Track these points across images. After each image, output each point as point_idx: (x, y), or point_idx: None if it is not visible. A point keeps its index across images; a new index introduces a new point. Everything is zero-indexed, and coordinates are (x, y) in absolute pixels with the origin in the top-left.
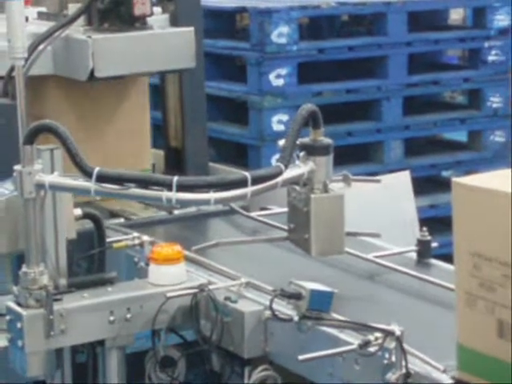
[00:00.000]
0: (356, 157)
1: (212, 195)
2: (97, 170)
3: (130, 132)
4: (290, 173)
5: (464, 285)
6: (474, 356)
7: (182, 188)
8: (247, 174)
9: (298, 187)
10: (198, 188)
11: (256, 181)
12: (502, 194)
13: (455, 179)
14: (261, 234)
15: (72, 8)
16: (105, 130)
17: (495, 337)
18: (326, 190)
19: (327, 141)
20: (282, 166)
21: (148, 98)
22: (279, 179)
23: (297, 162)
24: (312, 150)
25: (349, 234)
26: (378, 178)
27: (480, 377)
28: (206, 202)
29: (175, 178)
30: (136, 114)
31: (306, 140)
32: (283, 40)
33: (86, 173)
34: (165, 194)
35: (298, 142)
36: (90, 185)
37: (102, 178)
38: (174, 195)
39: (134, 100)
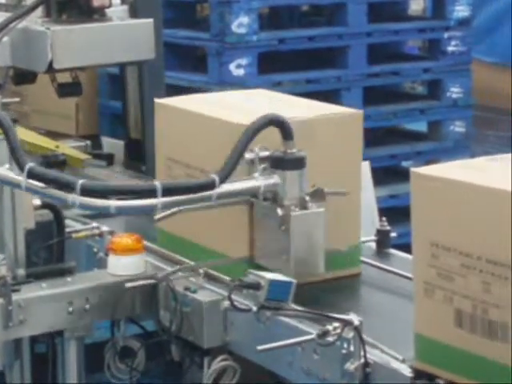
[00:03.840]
0: None
1: (113, 203)
2: (29, 165)
3: None
4: (236, 185)
5: (422, 274)
6: (432, 345)
7: (85, 192)
8: (157, 184)
9: (265, 202)
10: (100, 194)
11: (169, 191)
12: (460, 183)
13: (414, 169)
14: None
15: None
16: None
17: (453, 326)
18: (304, 206)
19: (300, 154)
20: (216, 178)
21: None
22: (213, 192)
23: (255, 175)
24: (281, 163)
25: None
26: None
27: (438, 366)
28: (107, 209)
29: (80, 182)
30: None
31: (276, 152)
32: (243, 30)
33: (20, 167)
34: (71, 197)
35: (268, 154)
36: (21, 179)
37: (32, 175)
38: (78, 199)
39: None
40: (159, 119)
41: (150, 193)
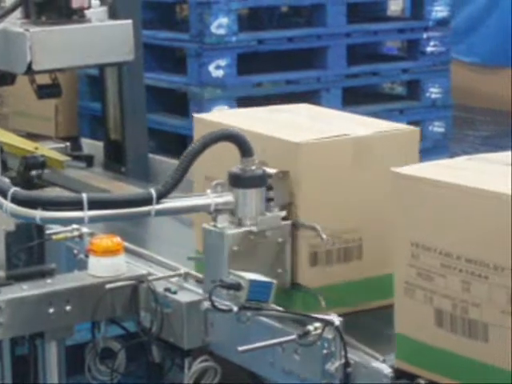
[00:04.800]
0: None
1: (38, 213)
2: None
3: None
4: (182, 202)
5: (402, 274)
6: (412, 345)
7: (14, 201)
8: (84, 196)
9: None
10: (28, 203)
11: (96, 204)
12: (441, 183)
13: (394, 169)
14: None
15: (9, 0)
16: None
17: (434, 326)
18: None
19: (259, 171)
20: (153, 193)
21: None
22: (151, 207)
23: (207, 192)
24: (238, 181)
25: None
26: None
27: (419, 366)
28: (33, 219)
29: (12, 190)
30: None
31: (234, 169)
32: (223, 31)
33: None
34: (5, 204)
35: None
36: None
37: None
38: (8, 206)
39: None
40: (198, 135)
41: (76, 205)
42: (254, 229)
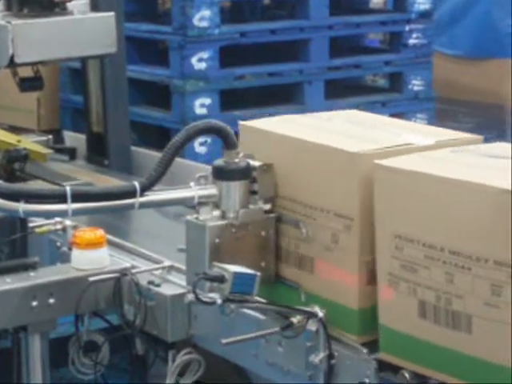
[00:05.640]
0: None
1: (21, 206)
2: None
3: None
4: (166, 194)
5: (386, 266)
6: (396, 337)
7: None
8: (68, 189)
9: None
10: (10, 196)
11: (80, 197)
12: (424, 175)
13: (377, 161)
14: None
15: None
16: None
17: (417, 317)
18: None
19: (243, 164)
20: (137, 186)
21: None
22: (135, 200)
23: (191, 184)
24: (222, 174)
25: None
26: None
27: (403, 357)
28: (16, 212)
29: None
30: None
31: (218, 161)
32: (205, 23)
33: None
34: None
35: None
36: None
37: None
38: None
39: None
40: (245, 144)
41: (60, 198)
42: (236, 222)
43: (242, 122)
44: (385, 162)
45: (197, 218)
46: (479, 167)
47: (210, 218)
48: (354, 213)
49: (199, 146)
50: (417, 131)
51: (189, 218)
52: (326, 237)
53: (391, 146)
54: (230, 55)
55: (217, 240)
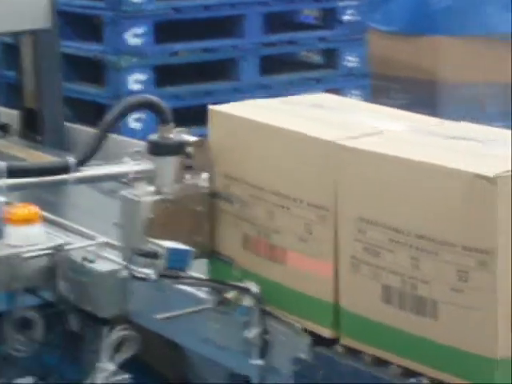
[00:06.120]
0: None
1: None
2: None
3: None
4: (100, 170)
5: (348, 249)
6: (358, 321)
7: None
8: (1, 164)
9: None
10: None
11: (16, 173)
12: (388, 157)
13: (338, 142)
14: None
15: None
16: None
17: (381, 302)
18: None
19: (177, 139)
20: (71, 161)
21: None
22: (69, 176)
23: (125, 159)
24: (157, 149)
25: None
26: None
27: (365, 342)
28: None
29: None
30: None
31: (152, 136)
32: None
33: None
34: None
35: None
36: None
37: None
38: None
39: None
40: (216, 129)
41: None
42: (170, 197)
43: (211, 107)
44: (346, 143)
45: (131, 194)
46: (449, 150)
47: (144, 193)
48: (328, 203)
49: (134, 121)
50: (391, 116)
51: (123, 193)
52: (299, 227)
53: (366, 132)
54: (164, 31)
55: (151, 215)
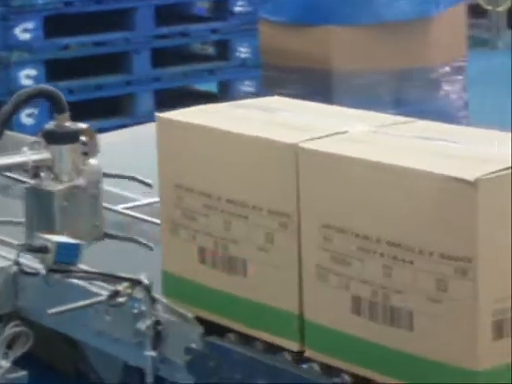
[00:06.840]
0: (107, 110)
1: None
2: None
3: None
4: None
5: (314, 258)
6: (326, 334)
7: None
8: None
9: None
10: None
11: None
12: (354, 159)
13: (301, 144)
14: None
15: None
16: None
17: (350, 313)
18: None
19: (73, 127)
20: None
21: None
22: None
23: (24, 149)
24: (53, 138)
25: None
26: None
27: (333, 355)
28: None
29: None
30: None
31: (48, 125)
32: None
33: None
34: None
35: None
36: None
37: None
38: None
39: None
40: (164, 138)
41: None
42: (77, 183)
43: (158, 114)
44: (309, 144)
45: (39, 184)
46: (422, 151)
47: (51, 183)
48: (290, 210)
49: (26, 117)
50: (354, 117)
51: (31, 184)
52: (259, 237)
53: (328, 134)
54: (54, 25)
55: (64, 203)
